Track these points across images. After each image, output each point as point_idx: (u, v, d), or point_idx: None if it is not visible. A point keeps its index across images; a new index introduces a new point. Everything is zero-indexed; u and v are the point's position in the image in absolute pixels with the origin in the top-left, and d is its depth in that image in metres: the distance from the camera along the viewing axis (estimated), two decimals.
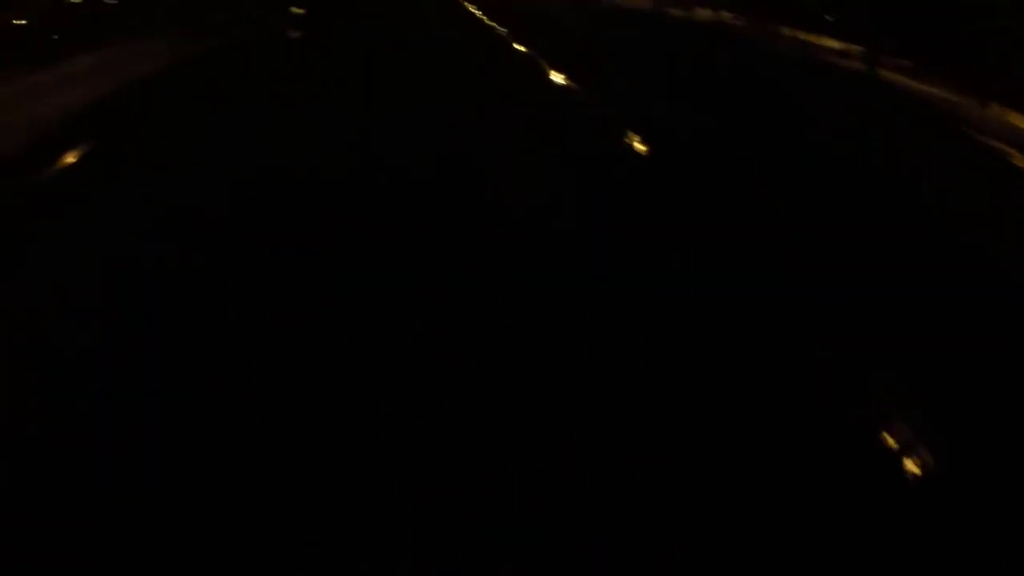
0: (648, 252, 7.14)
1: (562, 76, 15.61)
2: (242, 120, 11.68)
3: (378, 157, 9.83)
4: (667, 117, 12.72)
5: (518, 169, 9.62)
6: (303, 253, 6.78)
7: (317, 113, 11.99)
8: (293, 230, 7.31)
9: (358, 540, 3.39)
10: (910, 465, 4.09)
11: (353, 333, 5.35)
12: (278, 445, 4.03)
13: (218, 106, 12.53)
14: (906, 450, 4.23)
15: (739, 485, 3.88)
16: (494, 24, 25.49)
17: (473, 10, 30.18)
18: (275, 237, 7.11)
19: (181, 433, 4.16)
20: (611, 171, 9.75)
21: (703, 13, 30.94)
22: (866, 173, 10.45)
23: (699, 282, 6.49)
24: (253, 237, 7.13)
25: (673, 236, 7.59)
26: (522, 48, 19.66)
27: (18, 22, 16.95)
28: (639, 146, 10.57)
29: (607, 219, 8.00)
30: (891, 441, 4.38)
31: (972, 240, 8.08)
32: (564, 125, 12.02)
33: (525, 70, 16.99)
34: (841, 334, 5.66)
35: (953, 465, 4.20)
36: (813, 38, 24.17)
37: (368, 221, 7.54)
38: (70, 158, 9.32)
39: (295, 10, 23.62)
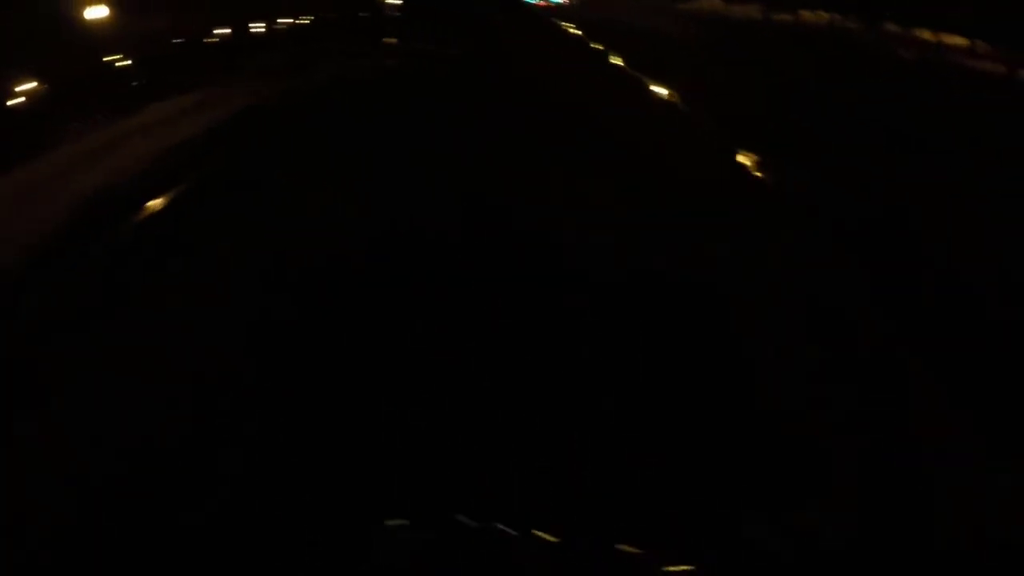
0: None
1: (663, 88, 14.78)
2: None
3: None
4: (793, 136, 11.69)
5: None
6: None
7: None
8: None
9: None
10: None
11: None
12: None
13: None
14: None
15: None
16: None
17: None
18: None
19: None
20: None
21: (808, 15, 29.63)
22: None
23: None
24: None
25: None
26: (619, 61, 18.93)
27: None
28: (750, 164, 9.71)
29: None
30: None
31: None
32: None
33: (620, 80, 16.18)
34: None
35: None
36: (938, 37, 22.70)
37: None
38: None
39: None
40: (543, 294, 6.29)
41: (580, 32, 27.89)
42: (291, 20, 23.40)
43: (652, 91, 15.37)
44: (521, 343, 5.36)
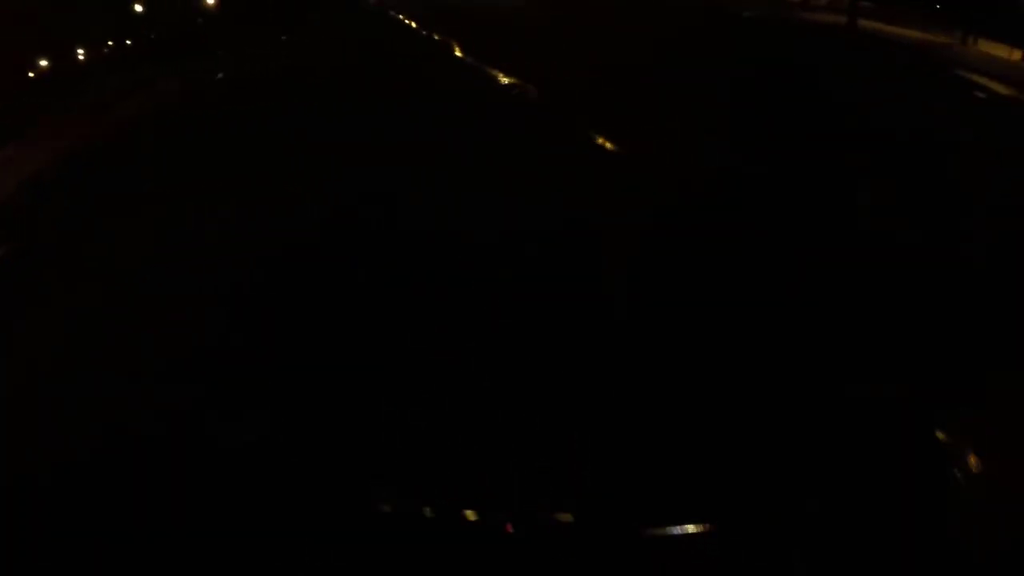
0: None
1: (510, 78, 14.11)
2: None
3: None
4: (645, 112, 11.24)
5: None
6: None
7: None
8: None
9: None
10: None
11: None
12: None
13: None
14: None
15: None
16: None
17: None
18: None
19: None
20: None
21: None
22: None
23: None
24: None
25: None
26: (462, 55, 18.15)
27: None
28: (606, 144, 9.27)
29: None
30: None
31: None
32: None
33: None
34: None
35: None
36: None
37: None
38: None
39: None
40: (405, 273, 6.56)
41: (415, 24, 27.00)
42: (112, 43, 21.71)
43: (498, 80, 14.66)
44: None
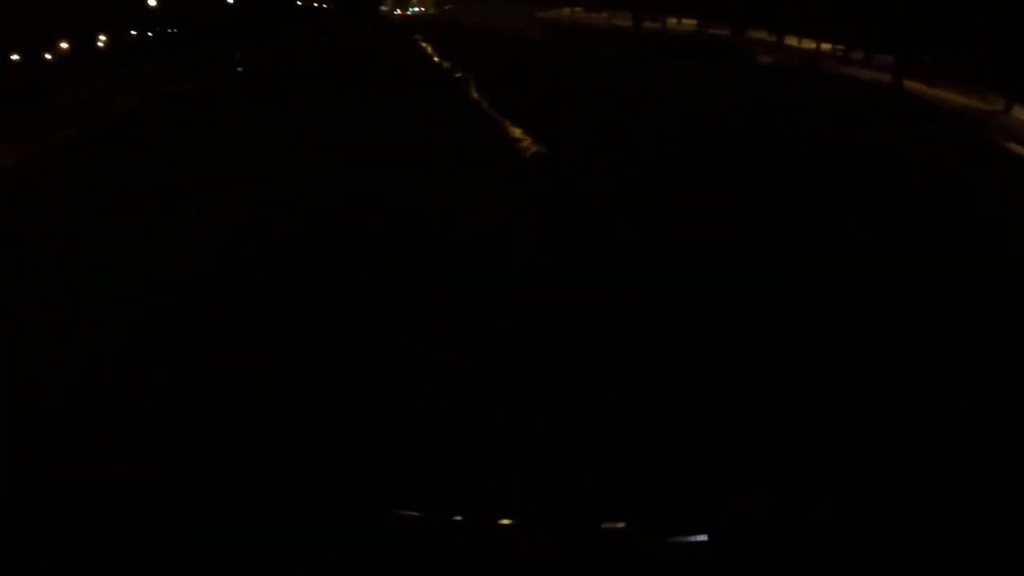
0: None
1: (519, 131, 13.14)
2: None
3: None
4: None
5: None
6: None
7: None
8: None
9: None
10: None
11: None
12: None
13: None
14: None
15: None
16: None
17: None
18: None
19: None
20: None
21: (672, 23, 28.98)
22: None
23: None
24: None
25: None
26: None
27: None
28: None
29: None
30: None
31: None
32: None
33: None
34: None
35: None
36: (804, 43, 22.17)
37: None
38: None
39: None
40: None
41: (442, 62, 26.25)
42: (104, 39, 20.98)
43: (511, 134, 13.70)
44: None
